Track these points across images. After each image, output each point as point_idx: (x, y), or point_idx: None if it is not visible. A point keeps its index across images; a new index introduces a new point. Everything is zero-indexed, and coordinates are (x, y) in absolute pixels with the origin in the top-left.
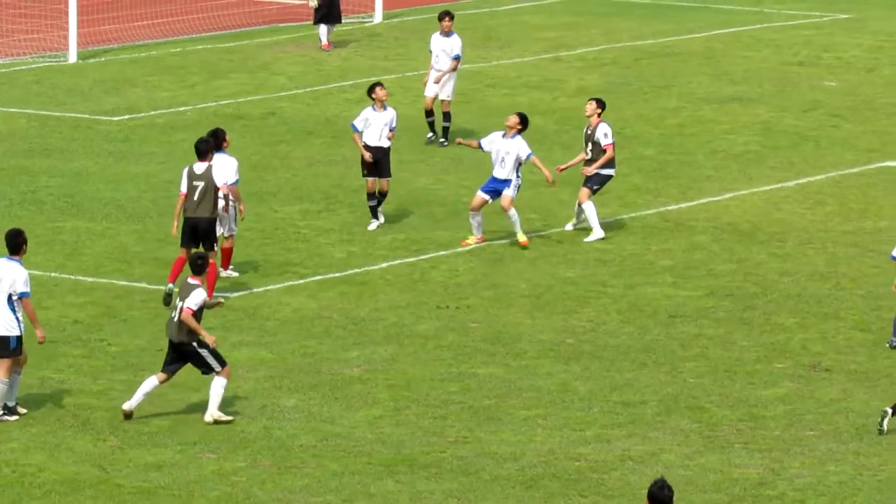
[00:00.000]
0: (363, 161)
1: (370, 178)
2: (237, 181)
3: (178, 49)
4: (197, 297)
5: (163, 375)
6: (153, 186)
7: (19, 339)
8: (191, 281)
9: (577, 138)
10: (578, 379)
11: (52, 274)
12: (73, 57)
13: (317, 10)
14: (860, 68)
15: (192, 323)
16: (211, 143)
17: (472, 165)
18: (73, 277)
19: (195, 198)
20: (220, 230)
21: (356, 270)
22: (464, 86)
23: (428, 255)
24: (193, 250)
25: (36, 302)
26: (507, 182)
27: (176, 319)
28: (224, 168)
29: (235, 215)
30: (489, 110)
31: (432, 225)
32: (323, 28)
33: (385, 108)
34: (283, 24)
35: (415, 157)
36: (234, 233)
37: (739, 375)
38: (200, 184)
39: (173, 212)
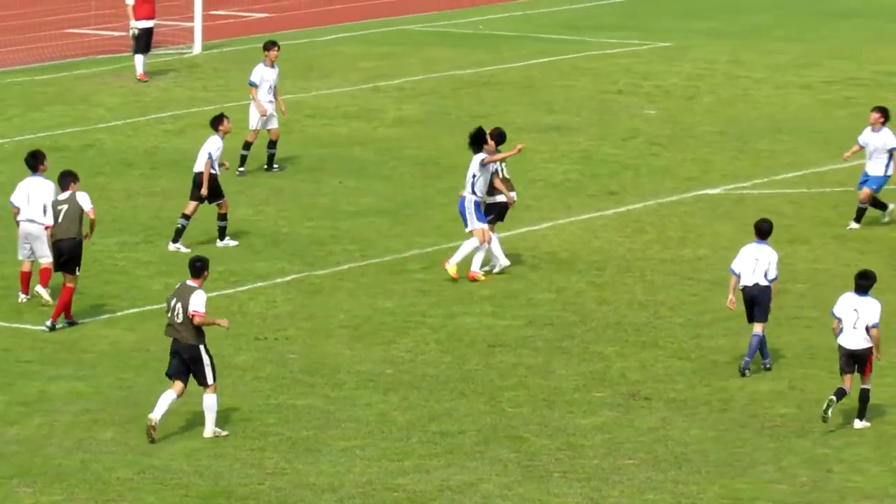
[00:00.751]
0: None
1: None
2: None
3: None
4: (200, 300)
5: (179, 386)
6: None
7: None
8: (190, 283)
9: (396, 168)
10: (397, 409)
11: None
12: None
13: (136, 39)
14: (680, 96)
15: (208, 321)
16: (73, 175)
17: (291, 196)
18: None
19: (59, 221)
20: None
21: None
22: (287, 118)
23: (246, 287)
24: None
25: None
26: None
27: (180, 321)
28: (41, 191)
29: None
30: (308, 140)
31: (251, 256)
32: (139, 58)
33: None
34: (101, 56)
35: (234, 189)
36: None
37: (558, 404)
38: (64, 207)
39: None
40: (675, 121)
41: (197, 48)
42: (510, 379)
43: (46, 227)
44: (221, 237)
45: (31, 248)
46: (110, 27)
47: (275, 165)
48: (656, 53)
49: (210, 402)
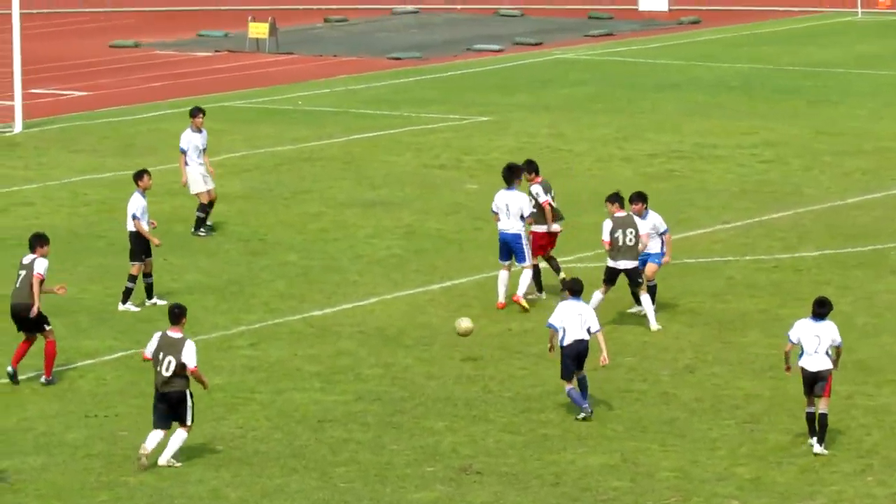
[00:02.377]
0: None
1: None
2: None
3: None
4: (193, 352)
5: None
6: None
7: None
8: (173, 335)
9: (221, 244)
10: (229, 486)
11: None
12: None
13: None
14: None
15: (202, 376)
16: (38, 237)
17: (116, 273)
18: None
19: (17, 286)
20: None
21: (2, 381)
22: (108, 194)
23: (75, 365)
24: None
25: None
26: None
27: (170, 375)
28: None
29: None
30: None
31: (78, 334)
32: None
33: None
34: None
35: (58, 266)
36: None
37: (390, 479)
38: (22, 273)
39: None
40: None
41: (17, 127)
42: (341, 454)
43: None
44: (149, 296)
45: None
46: None
47: (202, 230)
48: (477, 127)
49: (182, 436)
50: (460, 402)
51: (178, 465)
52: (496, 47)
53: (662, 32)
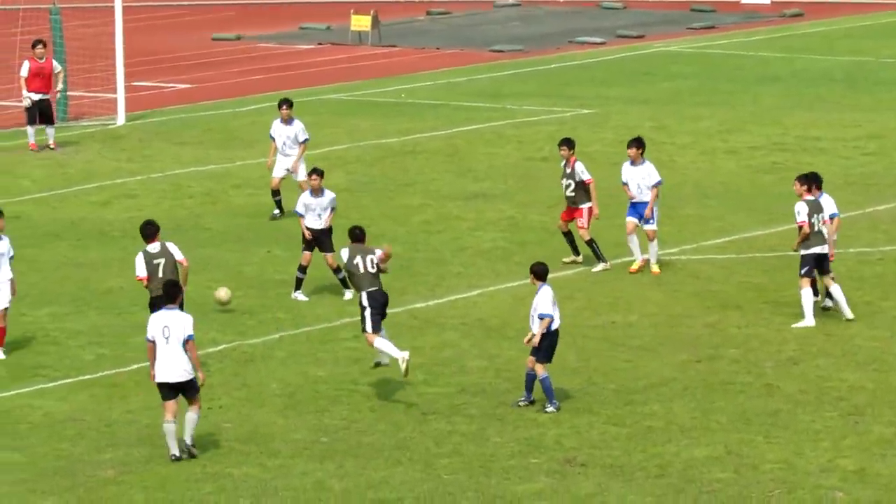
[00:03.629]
0: (304, 237)
1: (307, 252)
2: None
3: None
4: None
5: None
6: None
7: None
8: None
9: None
10: (333, 477)
11: None
12: None
13: (29, 110)
14: (604, 162)
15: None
16: (155, 226)
17: (218, 266)
18: None
19: (160, 275)
20: None
21: (107, 372)
22: (209, 186)
23: None
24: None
25: None
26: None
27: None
28: None
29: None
30: (234, 210)
31: None
32: (50, 130)
33: (323, 192)
34: (24, 128)
35: None
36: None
37: (495, 471)
38: (161, 261)
39: None
40: (600, 187)
41: (120, 119)
42: (445, 446)
43: None
44: (299, 286)
45: None
46: None
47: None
48: (579, 120)
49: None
50: (564, 394)
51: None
52: (598, 40)
53: (764, 25)
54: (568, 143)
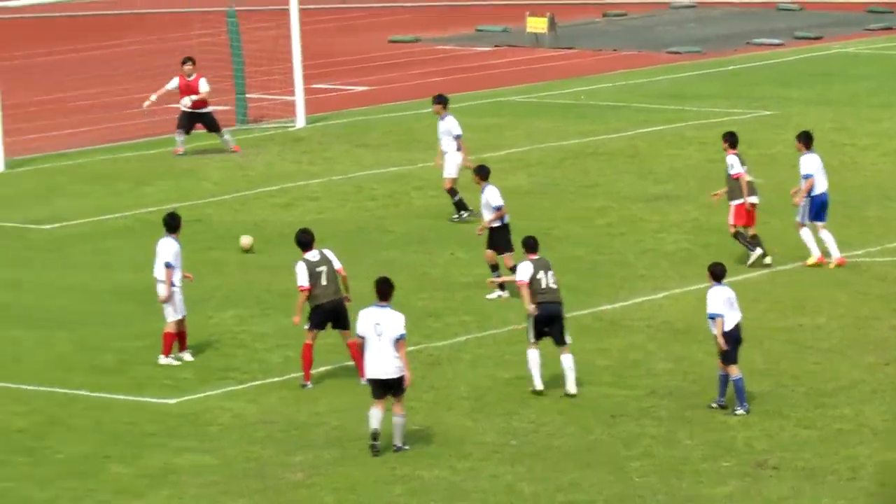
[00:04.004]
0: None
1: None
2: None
3: (106, 157)
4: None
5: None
6: (86, 294)
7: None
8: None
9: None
10: (524, 480)
11: None
12: (1, 166)
13: (180, 118)
14: (785, 164)
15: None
16: (312, 234)
17: (402, 268)
18: (14, 386)
19: (323, 283)
20: (174, 315)
21: (295, 375)
22: (392, 188)
23: None
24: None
25: None
26: None
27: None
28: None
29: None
30: (417, 212)
31: None
32: (226, 137)
33: (483, 190)
34: (205, 131)
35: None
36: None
37: (686, 474)
38: (323, 268)
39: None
40: (782, 189)
41: (300, 122)
42: (635, 448)
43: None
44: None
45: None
46: (212, 102)
47: (463, 213)
48: (760, 122)
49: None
50: (754, 397)
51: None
52: (776, 41)
53: None
54: (724, 137)
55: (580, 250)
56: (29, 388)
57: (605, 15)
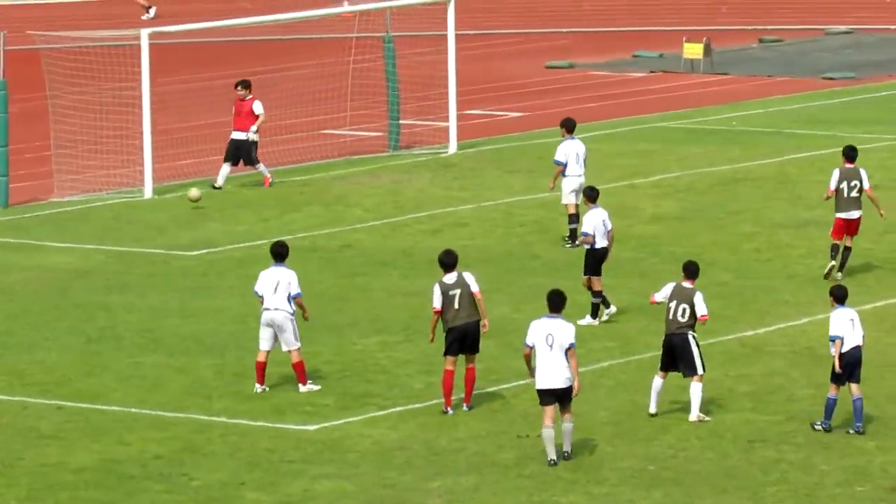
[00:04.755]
0: None
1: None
2: (300, 293)
3: (252, 180)
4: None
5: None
6: (231, 320)
7: None
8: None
9: (654, 265)
10: None
11: (133, 409)
12: (148, 192)
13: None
14: None
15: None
16: (455, 255)
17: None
18: (153, 413)
19: (456, 306)
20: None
21: (436, 401)
22: (542, 214)
23: (507, 385)
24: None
25: (117, 437)
26: None
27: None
28: (290, 279)
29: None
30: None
31: (511, 354)
32: (261, 165)
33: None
34: (356, 157)
35: (491, 287)
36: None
37: (821, 499)
38: (457, 291)
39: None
40: None
41: (452, 148)
42: (772, 474)
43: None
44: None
45: (275, 338)
46: (365, 128)
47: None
48: None
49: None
50: (892, 423)
51: (708, 418)
52: None
53: None
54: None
55: (727, 275)
56: (168, 414)
57: (761, 41)
